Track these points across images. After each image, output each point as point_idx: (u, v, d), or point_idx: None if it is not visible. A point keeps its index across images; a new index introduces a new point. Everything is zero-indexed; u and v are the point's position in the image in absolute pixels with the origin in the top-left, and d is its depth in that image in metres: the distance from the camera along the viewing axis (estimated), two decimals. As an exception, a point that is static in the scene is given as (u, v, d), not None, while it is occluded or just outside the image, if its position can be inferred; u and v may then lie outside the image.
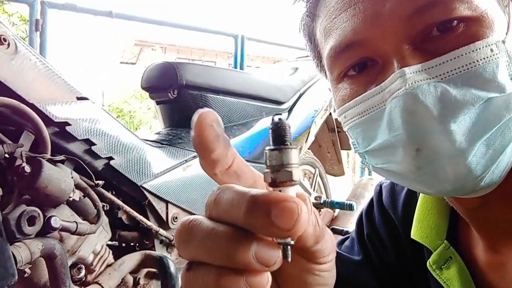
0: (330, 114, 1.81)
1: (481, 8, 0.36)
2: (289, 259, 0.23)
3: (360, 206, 1.42)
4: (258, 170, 0.27)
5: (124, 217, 1.01)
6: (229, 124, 1.34)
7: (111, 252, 0.96)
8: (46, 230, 0.76)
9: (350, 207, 1.24)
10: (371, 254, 0.58)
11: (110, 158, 0.96)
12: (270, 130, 0.24)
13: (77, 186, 0.86)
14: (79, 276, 0.88)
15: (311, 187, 1.78)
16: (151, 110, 6.18)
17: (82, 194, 0.88)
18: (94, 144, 0.93)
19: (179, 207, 1.10)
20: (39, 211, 0.75)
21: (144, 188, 1.02)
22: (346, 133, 0.46)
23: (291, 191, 0.23)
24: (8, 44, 0.79)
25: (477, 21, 0.35)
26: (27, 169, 0.75)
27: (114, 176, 0.98)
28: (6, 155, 0.75)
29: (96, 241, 0.90)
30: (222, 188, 0.24)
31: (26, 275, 0.75)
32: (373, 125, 0.39)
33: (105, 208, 0.94)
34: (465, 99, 0.34)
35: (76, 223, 0.81)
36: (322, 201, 1.31)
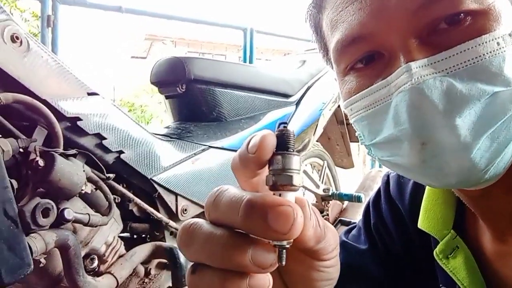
0: (339, 106, 1.80)
1: (488, 1, 0.35)
2: (283, 263, 0.24)
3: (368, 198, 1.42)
4: None
5: (135, 209, 1.03)
6: (237, 117, 1.35)
7: (122, 243, 0.98)
8: (59, 221, 0.79)
9: (358, 199, 1.24)
10: (377, 243, 0.59)
11: (121, 152, 0.98)
12: (276, 137, 0.25)
13: (89, 179, 0.89)
14: (92, 266, 0.90)
15: (320, 180, 1.78)
16: (162, 104, 6.22)
17: (94, 187, 0.90)
18: (105, 138, 0.95)
19: (188, 199, 1.12)
20: (52, 203, 0.77)
21: (154, 181, 1.04)
22: (352, 125, 0.46)
23: (290, 196, 0.24)
24: (21, 42, 0.81)
25: (484, 14, 0.35)
26: (41, 163, 0.77)
27: (124, 169, 1.00)
28: (21, 150, 0.78)
29: (108, 233, 0.93)
30: (220, 190, 0.25)
31: (41, 265, 0.78)
32: (379, 119, 0.39)
33: (116, 201, 0.96)
34: (471, 93, 0.34)
35: (89, 215, 0.84)
36: (330, 193, 1.31)
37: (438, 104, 0.34)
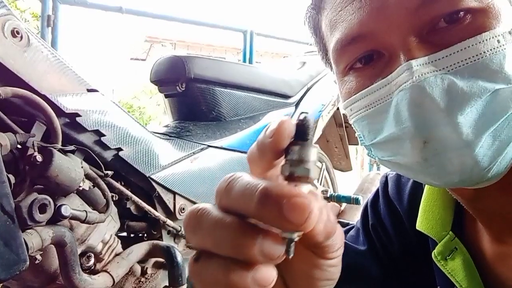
0: (338, 108, 1.80)
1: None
2: (291, 255, 0.23)
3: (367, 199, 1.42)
4: None
5: (132, 208, 1.02)
6: (236, 117, 1.35)
7: (119, 241, 0.97)
8: (56, 218, 0.78)
9: (357, 201, 1.24)
10: (375, 244, 0.58)
11: (119, 149, 0.98)
12: (295, 126, 0.24)
13: (87, 176, 0.88)
14: (88, 264, 0.90)
15: (318, 182, 1.78)
16: (161, 106, 6.22)
17: (92, 184, 0.90)
18: (104, 135, 0.94)
19: (186, 198, 1.11)
20: (50, 199, 0.77)
21: (152, 179, 1.04)
22: (352, 126, 0.46)
23: (305, 188, 0.23)
24: (21, 37, 0.81)
25: (483, 12, 0.35)
26: (39, 158, 0.77)
27: (123, 167, 1.00)
28: (19, 145, 0.77)
29: (105, 231, 0.92)
30: (235, 176, 0.24)
31: (37, 261, 0.77)
32: (380, 118, 0.39)
33: (114, 198, 0.96)
34: (472, 91, 0.34)
35: (86, 212, 0.83)
36: (328, 195, 1.31)
37: (439, 102, 0.34)
